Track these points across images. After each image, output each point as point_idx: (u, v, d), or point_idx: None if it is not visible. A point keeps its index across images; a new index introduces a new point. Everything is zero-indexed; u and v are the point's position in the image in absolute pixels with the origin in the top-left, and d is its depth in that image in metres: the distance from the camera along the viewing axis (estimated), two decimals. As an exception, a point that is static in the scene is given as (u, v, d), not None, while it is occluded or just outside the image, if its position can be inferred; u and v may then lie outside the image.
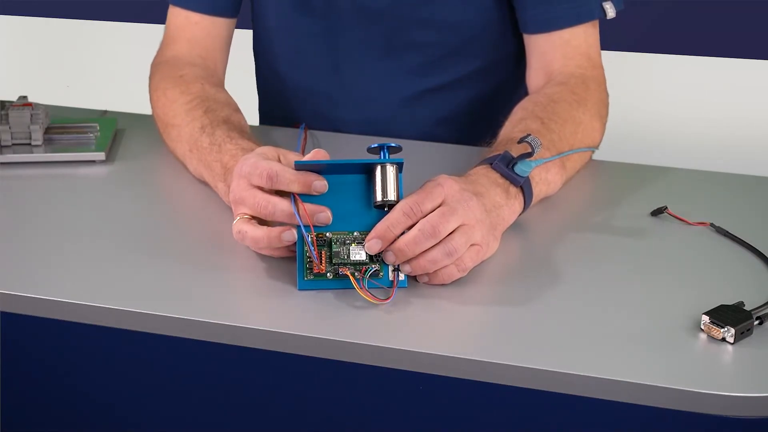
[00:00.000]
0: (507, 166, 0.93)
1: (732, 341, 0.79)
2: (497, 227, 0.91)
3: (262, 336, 0.82)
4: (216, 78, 1.20)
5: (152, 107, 1.17)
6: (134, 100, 1.50)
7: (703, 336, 0.81)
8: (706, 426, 0.75)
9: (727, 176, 1.11)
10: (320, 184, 0.86)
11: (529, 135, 0.91)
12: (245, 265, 0.91)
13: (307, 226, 0.85)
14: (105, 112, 1.26)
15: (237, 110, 1.11)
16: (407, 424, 0.83)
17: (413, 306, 0.84)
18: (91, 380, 0.90)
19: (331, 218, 0.86)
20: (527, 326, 0.82)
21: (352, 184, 0.88)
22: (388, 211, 0.86)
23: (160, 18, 1.26)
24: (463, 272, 0.87)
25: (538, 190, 0.98)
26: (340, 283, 0.86)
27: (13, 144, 1.13)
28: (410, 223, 0.85)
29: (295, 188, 0.86)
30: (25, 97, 1.17)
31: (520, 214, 0.95)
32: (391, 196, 0.86)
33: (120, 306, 0.84)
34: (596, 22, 1.16)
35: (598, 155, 1.12)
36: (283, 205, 0.87)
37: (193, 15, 1.22)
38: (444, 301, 0.85)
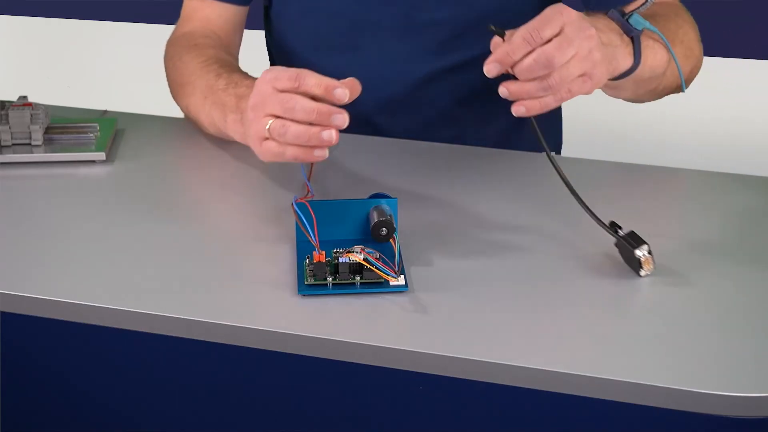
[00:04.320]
0: (624, 14, 0.97)
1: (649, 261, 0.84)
2: (611, 62, 0.93)
3: (262, 336, 0.82)
4: (229, 51, 1.23)
5: (167, 76, 1.20)
6: (134, 100, 1.50)
7: (702, 335, 0.81)
8: (706, 426, 0.75)
9: (727, 176, 1.10)
10: (340, 92, 0.89)
11: None
12: (246, 265, 0.91)
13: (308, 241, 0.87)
14: (105, 112, 1.26)
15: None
16: (407, 424, 0.83)
17: (413, 306, 0.84)
18: (91, 380, 0.90)
19: (347, 121, 0.89)
20: (527, 326, 0.82)
21: (354, 209, 0.91)
22: (386, 235, 0.87)
23: (160, 18, 1.27)
24: (563, 100, 0.90)
25: (646, 55, 0.99)
26: (340, 288, 0.86)
27: (13, 144, 1.13)
28: (529, 49, 0.88)
29: (318, 91, 0.89)
30: (25, 97, 1.17)
31: (628, 72, 0.98)
32: (388, 217, 0.88)
33: (120, 306, 0.84)
34: None
35: (597, 155, 1.12)
36: (305, 102, 0.89)
37: (206, 0, 1.25)
38: (444, 301, 0.85)
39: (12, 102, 1.16)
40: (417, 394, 0.81)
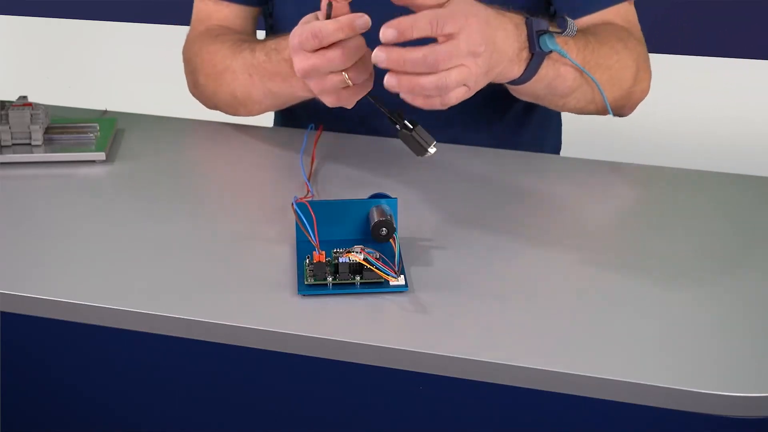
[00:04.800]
0: (536, 32, 0.95)
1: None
2: (491, 72, 0.92)
3: (262, 336, 0.82)
4: None
5: (198, 74, 1.19)
6: (134, 100, 1.50)
7: (702, 335, 0.81)
8: (706, 426, 0.75)
9: (727, 176, 1.11)
10: (362, 21, 0.89)
11: (568, 19, 0.95)
12: (245, 265, 0.91)
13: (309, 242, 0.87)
14: (105, 111, 1.26)
15: None
16: (407, 424, 0.83)
17: (413, 306, 0.84)
18: (91, 380, 0.90)
19: (369, 24, 0.90)
20: (527, 326, 0.82)
21: (354, 209, 0.91)
22: (386, 235, 0.87)
23: (158, 18, 1.26)
24: (443, 107, 0.90)
25: (545, 74, 0.99)
26: (340, 288, 0.86)
27: (13, 144, 1.13)
28: (428, 35, 0.87)
29: (340, 36, 0.90)
30: (25, 97, 1.17)
31: (516, 82, 0.98)
32: (388, 217, 0.88)
33: (120, 306, 0.84)
34: (632, 1, 1.17)
35: (596, 155, 1.12)
36: (356, 44, 0.91)
37: (220, 3, 1.26)
38: (444, 301, 0.85)
39: (12, 102, 1.16)
40: (417, 394, 0.81)
